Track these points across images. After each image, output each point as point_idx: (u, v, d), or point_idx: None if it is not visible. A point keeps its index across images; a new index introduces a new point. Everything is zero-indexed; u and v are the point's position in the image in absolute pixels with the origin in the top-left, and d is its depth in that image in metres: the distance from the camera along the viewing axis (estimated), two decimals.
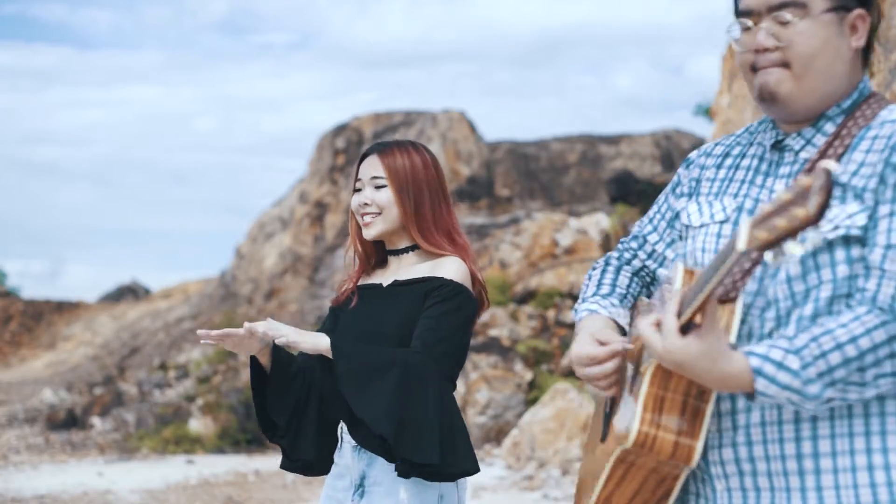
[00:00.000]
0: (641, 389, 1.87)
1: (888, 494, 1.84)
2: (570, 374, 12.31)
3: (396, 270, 2.99)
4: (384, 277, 3.02)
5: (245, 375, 15.34)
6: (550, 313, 13.25)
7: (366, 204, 2.94)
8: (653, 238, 2.24)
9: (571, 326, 13.12)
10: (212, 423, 14.02)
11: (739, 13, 1.97)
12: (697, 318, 1.76)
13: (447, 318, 2.83)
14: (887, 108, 1.94)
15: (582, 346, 2.06)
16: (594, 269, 2.30)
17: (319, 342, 2.80)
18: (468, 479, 2.91)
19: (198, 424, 14.11)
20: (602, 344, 2.04)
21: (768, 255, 1.60)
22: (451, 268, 2.90)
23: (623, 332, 2.15)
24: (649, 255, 2.25)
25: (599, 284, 2.24)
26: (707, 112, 19.71)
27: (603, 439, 2.10)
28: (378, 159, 2.94)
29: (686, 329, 1.77)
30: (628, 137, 21.70)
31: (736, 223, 1.99)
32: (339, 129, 21.90)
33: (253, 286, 21.98)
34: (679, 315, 1.76)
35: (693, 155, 2.20)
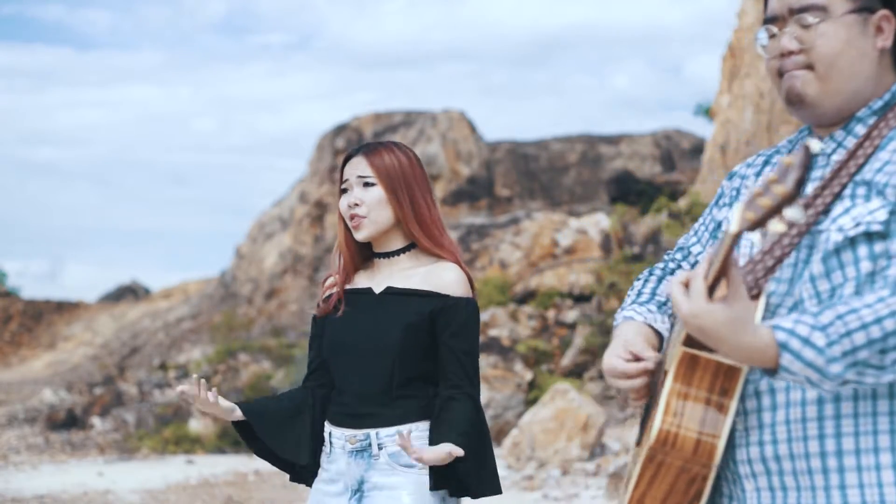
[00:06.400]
0: (665, 387, 1.85)
1: None
2: (570, 373, 12.31)
3: (389, 275, 2.93)
4: (373, 282, 2.95)
5: (245, 375, 15.35)
6: (550, 313, 13.25)
7: (356, 204, 2.91)
8: (696, 249, 2.25)
9: (571, 327, 13.11)
10: (212, 423, 14.02)
11: (766, 20, 2.00)
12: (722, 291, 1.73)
13: (475, 347, 2.86)
14: None
15: (614, 359, 2.04)
16: (637, 280, 2.31)
17: (447, 454, 2.71)
18: None
19: (198, 424, 14.11)
20: (634, 357, 2.03)
21: (755, 237, 1.61)
22: (452, 279, 2.86)
23: (660, 336, 2.14)
24: (693, 266, 2.25)
25: (639, 293, 2.24)
26: (707, 112, 19.69)
27: (638, 443, 2.10)
28: (364, 159, 2.93)
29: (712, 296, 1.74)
30: (628, 137, 21.73)
31: None
32: (339, 129, 21.92)
33: (253, 286, 21.97)
34: (706, 277, 1.72)
35: (737, 167, 2.23)
